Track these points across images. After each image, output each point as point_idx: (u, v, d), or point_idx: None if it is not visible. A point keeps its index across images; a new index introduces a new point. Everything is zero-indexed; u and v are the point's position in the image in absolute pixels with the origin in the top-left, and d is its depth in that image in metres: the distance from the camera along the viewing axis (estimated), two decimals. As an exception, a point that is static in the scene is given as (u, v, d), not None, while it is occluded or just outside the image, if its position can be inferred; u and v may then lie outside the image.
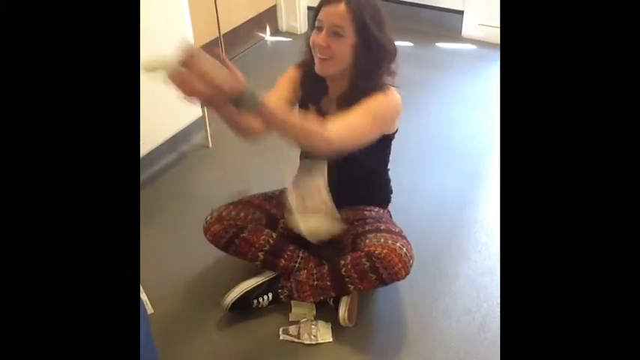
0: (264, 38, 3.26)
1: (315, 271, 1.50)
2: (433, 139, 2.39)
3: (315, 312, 1.55)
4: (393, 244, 1.36)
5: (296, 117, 1.21)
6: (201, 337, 1.51)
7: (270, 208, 1.60)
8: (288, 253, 1.55)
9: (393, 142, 1.52)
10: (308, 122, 1.19)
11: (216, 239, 1.52)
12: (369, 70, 1.34)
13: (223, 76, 0.98)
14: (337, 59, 1.33)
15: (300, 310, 1.55)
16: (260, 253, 1.52)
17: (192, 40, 2.06)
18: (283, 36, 3.31)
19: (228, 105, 1.04)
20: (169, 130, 2.12)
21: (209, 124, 2.28)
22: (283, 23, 3.32)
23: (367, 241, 1.41)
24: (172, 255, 1.80)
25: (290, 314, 1.55)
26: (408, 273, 1.37)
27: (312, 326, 1.51)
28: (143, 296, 1.60)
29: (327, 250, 1.60)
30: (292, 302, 1.56)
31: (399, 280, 1.38)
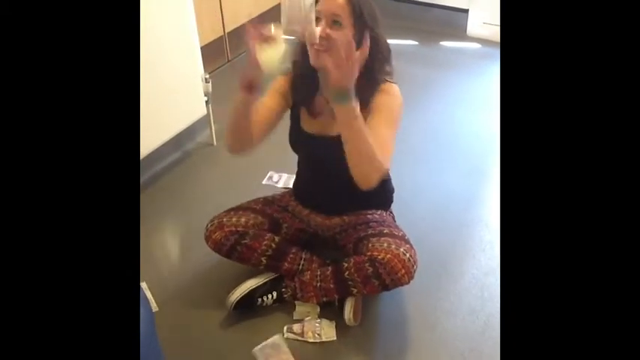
0: (268, 36, 3.25)
1: (318, 272, 1.50)
2: (438, 137, 2.38)
3: (319, 310, 1.55)
4: (397, 249, 1.36)
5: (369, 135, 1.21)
6: (205, 335, 1.51)
7: (272, 212, 1.59)
8: (291, 255, 1.55)
9: (398, 141, 1.51)
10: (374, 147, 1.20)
11: (218, 247, 1.52)
12: (366, 64, 1.33)
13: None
14: (335, 50, 1.30)
15: (304, 308, 1.56)
16: (263, 258, 1.52)
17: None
18: (288, 34, 3.31)
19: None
20: (174, 128, 2.12)
21: (214, 121, 2.28)
22: (288, 21, 3.31)
23: (370, 245, 1.40)
24: (177, 253, 1.81)
25: (294, 313, 1.55)
26: (411, 278, 1.37)
27: (316, 324, 1.51)
28: (148, 294, 1.60)
29: (330, 252, 1.60)
30: (296, 301, 1.57)
31: (402, 285, 1.38)
